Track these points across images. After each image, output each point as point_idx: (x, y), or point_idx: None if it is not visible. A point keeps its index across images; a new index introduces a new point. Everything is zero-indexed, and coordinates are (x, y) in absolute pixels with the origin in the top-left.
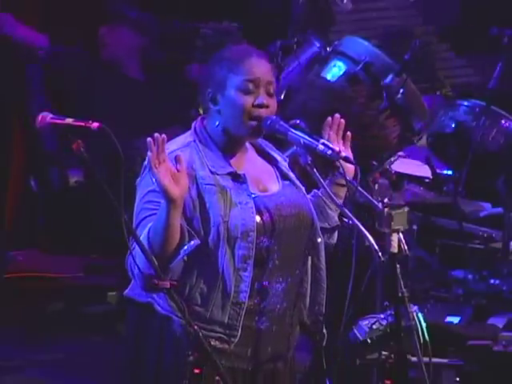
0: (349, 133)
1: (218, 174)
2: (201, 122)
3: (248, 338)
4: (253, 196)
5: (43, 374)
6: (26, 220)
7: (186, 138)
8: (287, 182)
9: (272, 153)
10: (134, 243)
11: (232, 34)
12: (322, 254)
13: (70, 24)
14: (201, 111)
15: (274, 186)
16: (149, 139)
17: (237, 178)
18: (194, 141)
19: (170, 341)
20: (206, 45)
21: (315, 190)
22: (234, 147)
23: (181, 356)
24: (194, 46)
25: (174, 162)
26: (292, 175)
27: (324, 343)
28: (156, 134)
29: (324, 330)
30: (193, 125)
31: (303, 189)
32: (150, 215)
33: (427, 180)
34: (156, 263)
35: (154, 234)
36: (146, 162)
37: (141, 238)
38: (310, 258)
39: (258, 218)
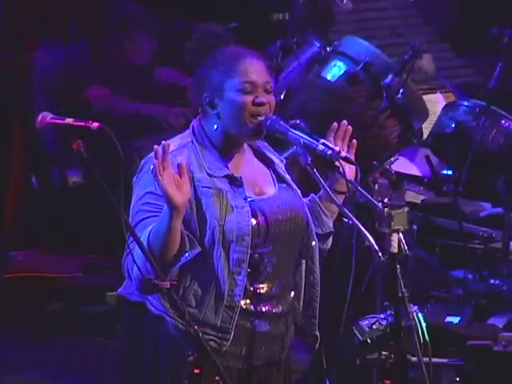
0: (354, 140)
1: (214, 177)
2: (199, 123)
3: (243, 338)
4: (249, 200)
5: (43, 373)
6: (25, 220)
7: (184, 138)
8: (283, 185)
9: (269, 154)
10: (133, 244)
11: (223, 36)
12: (317, 257)
13: (70, 23)
14: (200, 111)
15: (271, 189)
16: (156, 146)
17: (233, 181)
18: (192, 142)
19: (165, 341)
20: (196, 47)
21: (312, 195)
22: (231, 149)
23: (176, 356)
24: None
25: (174, 164)
26: (288, 177)
27: (317, 345)
28: (163, 142)
29: (317, 333)
30: (191, 125)
31: (299, 191)
32: (147, 217)
33: (427, 180)
34: (155, 263)
35: (155, 238)
36: (143, 162)
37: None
38: (304, 261)
39: (253, 222)
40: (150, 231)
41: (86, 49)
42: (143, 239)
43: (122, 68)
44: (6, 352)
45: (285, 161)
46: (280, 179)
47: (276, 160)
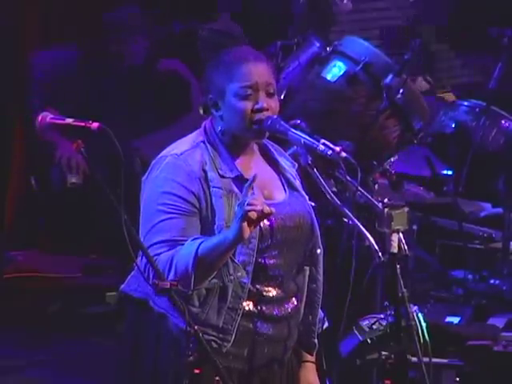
0: None
1: (225, 178)
2: (210, 123)
3: (245, 339)
4: None
5: (43, 373)
6: (25, 220)
7: (196, 137)
8: (293, 192)
9: (280, 160)
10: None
11: (234, 36)
12: (321, 265)
13: (70, 24)
14: (201, 111)
15: (280, 195)
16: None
17: (244, 182)
18: (204, 141)
19: (167, 339)
20: (205, 46)
21: None
22: (239, 149)
23: (178, 355)
24: (194, 47)
25: (188, 163)
26: (298, 183)
27: (314, 352)
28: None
29: (315, 340)
30: (203, 124)
31: (307, 198)
32: (168, 218)
33: (427, 180)
34: (156, 264)
35: (206, 254)
36: (153, 161)
37: (181, 251)
38: (307, 268)
39: (261, 225)
40: (199, 245)
41: (79, 52)
42: (187, 250)
43: (108, 71)
44: (6, 352)
45: (296, 165)
46: (290, 185)
47: (287, 165)
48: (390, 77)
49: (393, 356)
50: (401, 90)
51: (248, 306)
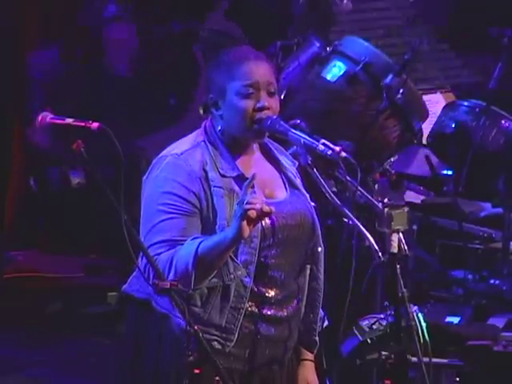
0: None
1: (226, 177)
2: (210, 122)
3: (247, 340)
4: None
5: (43, 373)
6: (25, 220)
7: (197, 137)
8: (294, 190)
9: (281, 158)
10: (171, 246)
11: (233, 36)
12: (321, 263)
13: (70, 24)
14: (201, 111)
15: (281, 193)
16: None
17: (245, 181)
18: (204, 141)
19: (169, 340)
20: (205, 46)
21: None
22: (239, 149)
23: (180, 355)
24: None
25: (189, 163)
26: (299, 181)
27: (315, 351)
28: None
29: (316, 338)
30: (203, 124)
31: (308, 196)
32: (169, 218)
33: (427, 180)
34: (156, 264)
35: (206, 254)
36: (154, 161)
37: (181, 250)
38: (308, 266)
39: (262, 224)
40: (199, 244)
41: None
42: (187, 249)
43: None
44: (6, 352)
45: (297, 164)
46: (291, 184)
47: (287, 163)
48: (389, 77)
49: (393, 356)
50: (401, 90)
51: (250, 307)
